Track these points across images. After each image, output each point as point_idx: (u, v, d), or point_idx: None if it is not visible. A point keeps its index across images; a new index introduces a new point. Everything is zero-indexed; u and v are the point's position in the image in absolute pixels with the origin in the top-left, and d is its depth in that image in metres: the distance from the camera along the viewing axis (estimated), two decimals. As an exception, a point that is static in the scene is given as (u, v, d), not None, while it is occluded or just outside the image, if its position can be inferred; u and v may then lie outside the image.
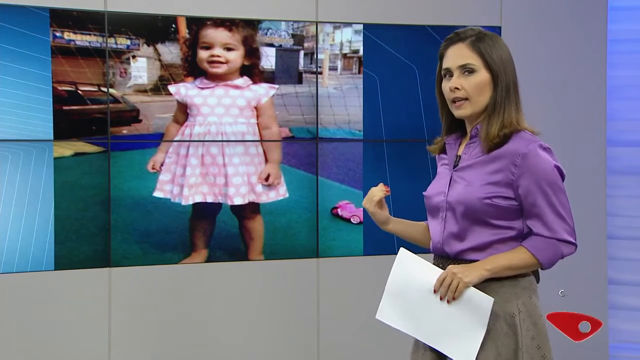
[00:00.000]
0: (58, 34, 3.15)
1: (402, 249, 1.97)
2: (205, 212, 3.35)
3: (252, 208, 3.41)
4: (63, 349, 3.18)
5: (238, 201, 3.38)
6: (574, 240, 1.89)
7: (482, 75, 1.90)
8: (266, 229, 3.44)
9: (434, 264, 1.96)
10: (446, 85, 1.94)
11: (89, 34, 3.19)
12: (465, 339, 1.85)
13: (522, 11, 3.65)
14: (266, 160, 3.42)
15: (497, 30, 3.45)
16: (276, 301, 3.45)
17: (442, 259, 1.96)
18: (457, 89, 1.91)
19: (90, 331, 3.21)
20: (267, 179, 3.41)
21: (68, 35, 3.16)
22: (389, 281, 1.95)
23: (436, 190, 1.99)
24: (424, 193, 2.04)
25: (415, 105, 3.54)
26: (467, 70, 1.90)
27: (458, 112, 1.93)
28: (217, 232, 3.38)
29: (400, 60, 3.53)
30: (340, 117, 3.51)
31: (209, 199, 3.35)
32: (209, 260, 3.37)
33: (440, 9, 3.57)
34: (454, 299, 1.85)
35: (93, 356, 3.22)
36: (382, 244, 3.51)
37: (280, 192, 3.44)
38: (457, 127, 2.01)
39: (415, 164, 3.51)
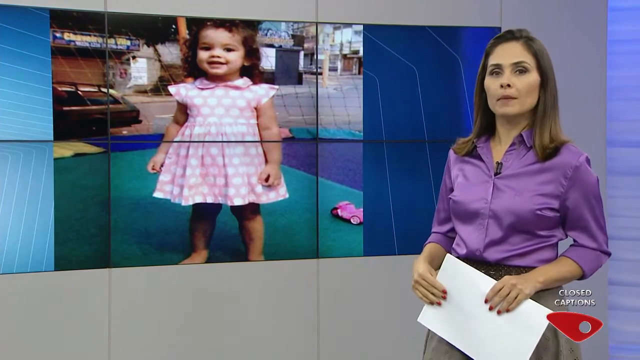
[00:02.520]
0: (58, 35, 3.14)
1: (448, 255, 1.90)
2: (205, 212, 3.35)
3: (252, 209, 3.41)
4: (63, 349, 3.18)
5: (238, 202, 3.37)
6: (610, 251, 1.94)
7: (534, 77, 1.88)
8: (266, 230, 3.44)
9: None
10: (494, 82, 1.88)
11: (89, 35, 3.19)
12: (513, 352, 1.77)
13: (522, 11, 3.64)
14: (266, 161, 3.42)
15: (497, 30, 3.45)
16: (276, 301, 3.44)
17: (478, 264, 1.88)
18: (509, 86, 1.86)
19: (90, 331, 3.21)
20: (267, 179, 3.41)
21: (68, 36, 3.16)
22: None
23: (474, 197, 1.91)
24: (454, 198, 1.95)
25: (415, 106, 3.53)
26: (520, 68, 1.87)
27: (504, 109, 1.88)
28: (217, 233, 3.38)
29: (400, 60, 3.53)
30: (340, 117, 3.50)
31: (209, 200, 3.35)
32: (209, 260, 3.37)
33: (440, 10, 3.56)
34: (507, 310, 1.79)
35: (93, 356, 3.22)
36: (382, 244, 3.51)
37: (280, 193, 3.44)
38: (487, 129, 1.96)
39: (415, 164, 3.51)
